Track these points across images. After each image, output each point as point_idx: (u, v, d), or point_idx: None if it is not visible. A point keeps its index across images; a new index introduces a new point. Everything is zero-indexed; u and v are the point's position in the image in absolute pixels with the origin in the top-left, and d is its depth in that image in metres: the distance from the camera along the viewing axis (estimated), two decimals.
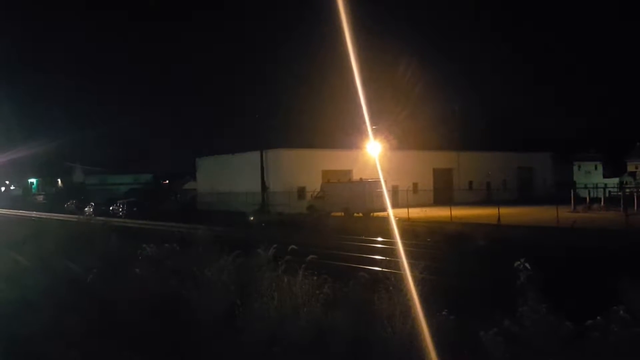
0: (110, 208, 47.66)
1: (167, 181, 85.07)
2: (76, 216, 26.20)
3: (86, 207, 47.55)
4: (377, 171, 35.78)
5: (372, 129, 35.34)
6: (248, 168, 47.60)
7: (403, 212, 32.30)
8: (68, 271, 12.47)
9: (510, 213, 31.14)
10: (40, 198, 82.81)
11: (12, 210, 56.53)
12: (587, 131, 77.90)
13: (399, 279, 6.25)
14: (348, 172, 44.84)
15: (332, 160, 46.86)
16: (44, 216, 43.41)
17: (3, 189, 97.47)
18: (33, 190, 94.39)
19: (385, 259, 15.92)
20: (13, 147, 60.66)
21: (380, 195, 33.82)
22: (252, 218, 33.42)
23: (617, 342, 4.29)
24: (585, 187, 47.39)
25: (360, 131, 37.52)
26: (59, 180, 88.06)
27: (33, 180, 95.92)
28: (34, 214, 47.39)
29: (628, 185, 57.09)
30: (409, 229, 24.21)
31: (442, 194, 48.06)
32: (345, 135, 43.27)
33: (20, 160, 65.53)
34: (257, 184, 45.88)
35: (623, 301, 4.59)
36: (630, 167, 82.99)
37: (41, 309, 9.08)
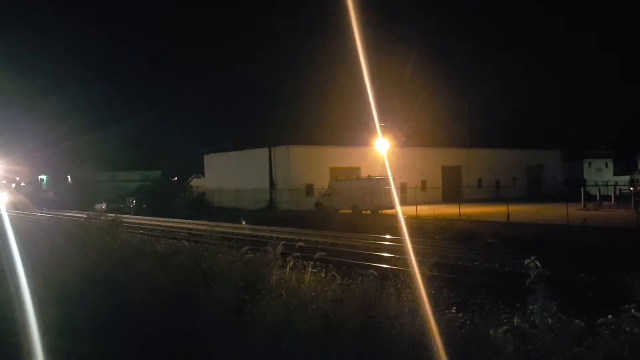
0: (122, 205, 48.33)
1: (176, 178, 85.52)
2: (86, 212, 26.28)
3: (96, 204, 47.98)
4: (386, 168, 35.72)
5: (381, 126, 35.37)
6: (256, 165, 47.72)
7: (411, 209, 32.22)
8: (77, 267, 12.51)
9: (520, 210, 30.96)
10: (51, 194, 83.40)
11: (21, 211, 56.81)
12: (597, 128, 77.36)
13: (408, 276, 6.23)
14: (356, 170, 44.77)
15: (340, 157, 46.82)
16: (60, 214, 43.69)
17: (14, 185, 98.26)
18: (43, 187, 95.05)
19: (394, 257, 15.91)
20: (24, 144, 61.08)
21: (388, 193, 33.76)
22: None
23: (628, 340, 4.25)
24: (596, 185, 46.95)
25: (368, 128, 37.54)
26: (69, 176, 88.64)
27: (43, 176, 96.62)
28: (44, 211, 47.68)
29: (639, 183, 56.54)
30: (418, 226, 24.14)
31: (451, 192, 47.84)
32: (353, 132, 43.27)
33: (30, 157, 66.02)
34: (265, 181, 45.95)
35: (635, 299, 4.54)
36: None
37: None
